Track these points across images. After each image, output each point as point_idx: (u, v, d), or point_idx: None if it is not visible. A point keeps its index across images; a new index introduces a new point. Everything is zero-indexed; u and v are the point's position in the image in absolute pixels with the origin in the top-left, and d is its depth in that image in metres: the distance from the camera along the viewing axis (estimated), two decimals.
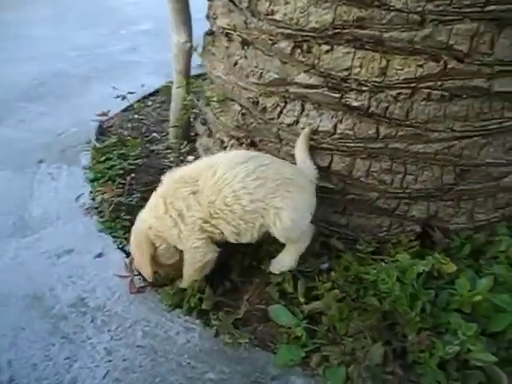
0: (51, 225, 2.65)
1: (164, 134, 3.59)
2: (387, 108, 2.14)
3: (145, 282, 2.22)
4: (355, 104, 2.16)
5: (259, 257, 2.30)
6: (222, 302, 2.15)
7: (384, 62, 2.07)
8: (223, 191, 2.01)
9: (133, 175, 3.00)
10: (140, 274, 2.20)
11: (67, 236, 2.55)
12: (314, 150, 2.34)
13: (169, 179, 2.14)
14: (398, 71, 2.07)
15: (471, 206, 2.36)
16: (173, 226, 2.05)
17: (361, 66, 2.11)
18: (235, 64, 2.53)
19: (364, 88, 2.13)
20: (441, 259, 2.13)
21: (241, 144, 2.65)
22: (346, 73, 2.14)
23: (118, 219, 2.60)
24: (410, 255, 2.23)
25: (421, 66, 2.04)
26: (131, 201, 2.71)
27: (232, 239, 2.11)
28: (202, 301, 2.10)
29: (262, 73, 2.36)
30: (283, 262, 2.18)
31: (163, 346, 1.95)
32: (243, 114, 2.55)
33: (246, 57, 2.45)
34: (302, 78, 2.24)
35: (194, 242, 2.05)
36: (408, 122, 2.15)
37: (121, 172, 2.99)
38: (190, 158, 3.23)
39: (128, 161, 3.09)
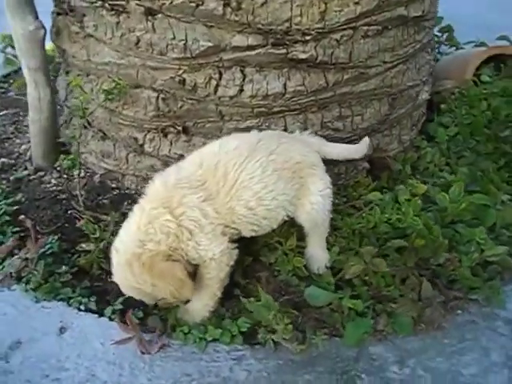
0: None
1: (16, 154, 2.78)
2: (332, 53, 2.07)
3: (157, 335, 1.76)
4: (303, 56, 2.02)
5: (256, 250, 2.05)
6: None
7: (323, 6, 1.97)
8: (244, 196, 1.73)
9: (23, 217, 2.26)
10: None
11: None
12: (265, 116, 2.14)
13: (162, 186, 1.70)
14: (338, 13, 2.00)
15: (398, 131, 2.54)
16: (188, 239, 1.65)
17: (301, 15, 1.96)
18: (137, 42, 2.06)
19: (308, 37, 2.00)
20: (415, 184, 2.25)
21: (165, 135, 2.25)
22: (287, 24, 1.97)
23: (52, 277, 1.96)
24: (377, 192, 2.30)
25: (357, 3, 2.00)
26: (51, 247, 2.06)
27: (249, 235, 1.85)
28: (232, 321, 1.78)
29: (185, 44, 1.99)
30: (319, 257, 2.00)
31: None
32: (164, 100, 2.14)
33: (154, 30, 2.02)
34: (239, 40, 1.98)
35: (217, 247, 1.72)
36: (351, 64, 2.13)
37: (6, 219, 2.22)
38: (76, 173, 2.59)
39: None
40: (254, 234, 1.86)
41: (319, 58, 2.04)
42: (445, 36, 3.47)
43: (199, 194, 1.68)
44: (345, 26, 2.03)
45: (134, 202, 2.38)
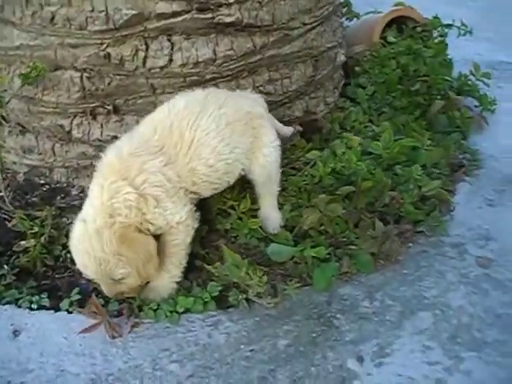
0: None
1: None
2: (257, 16, 2.10)
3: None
4: (229, 20, 2.03)
5: (210, 219, 2.01)
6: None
7: None
8: (203, 153, 1.69)
9: None
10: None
11: None
12: (198, 85, 2.10)
13: (116, 158, 1.60)
14: None
15: (323, 93, 2.64)
16: (154, 206, 1.58)
17: None
18: (52, 18, 1.93)
19: (231, 0, 2.01)
20: (349, 137, 2.35)
21: (95, 117, 2.13)
22: None
23: None
24: (315, 150, 2.37)
25: None
26: None
27: (208, 195, 1.83)
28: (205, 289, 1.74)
29: (107, 16, 1.90)
30: (272, 217, 2.00)
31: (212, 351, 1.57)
32: (89, 78, 2.03)
33: (69, 3, 1.90)
34: (163, 6, 1.93)
35: (182, 209, 1.67)
36: (275, 26, 2.17)
37: None
38: None
39: None
40: (214, 192, 1.83)
41: (245, 20, 2.06)
42: (344, 10, 3.67)
43: (160, 159, 1.62)
44: None
45: (68, 195, 2.27)
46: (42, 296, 1.75)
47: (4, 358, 1.55)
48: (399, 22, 3.16)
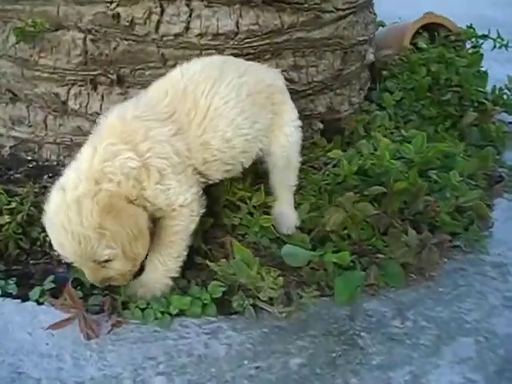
0: None
1: None
2: None
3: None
4: None
5: (216, 212, 1.74)
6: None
7: None
8: (220, 125, 1.45)
9: None
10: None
11: None
12: None
13: (119, 120, 1.34)
14: None
15: (349, 92, 2.40)
16: (157, 182, 1.30)
17: None
18: None
19: None
20: (378, 137, 2.10)
21: (95, 87, 1.88)
22: None
23: None
24: (337, 150, 2.12)
25: None
26: None
27: (217, 180, 1.56)
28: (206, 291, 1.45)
29: None
30: (288, 215, 1.75)
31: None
32: (93, 41, 1.79)
33: None
34: None
35: (188, 191, 1.41)
36: (307, 5, 1.95)
37: None
38: None
39: None
40: (224, 176, 1.57)
41: None
42: None
43: (169, 127, 1.38)
44: None
45: (57, 174, 1.96)
46: (9, 282, 1.46)
47: None
48: (430, 30, 2.96)
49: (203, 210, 1.48)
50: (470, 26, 2.96)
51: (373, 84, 2.72)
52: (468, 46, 2.96)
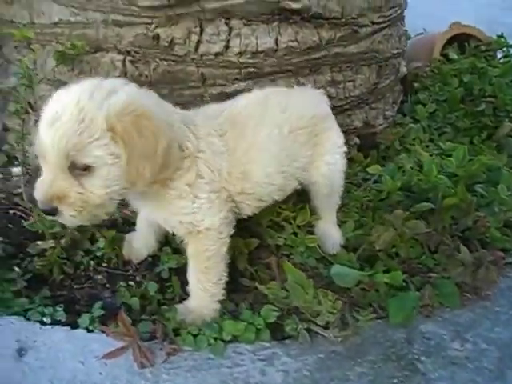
0: None
1: None
2: (326, 6, 1.85)
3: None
4: (296, 6, 1.78)
5: (259, 232, 1.70)
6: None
7: None
8: (263, 158, 1.44)
9: None
10: None
11: None
12: (254, 79, 1.84)
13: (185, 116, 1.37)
14: None
15: (383, 105, 2.37)
16: (189, 183, 1.32)
17: None
18: None
19: None
20: (419, 150, 2.06)
21: None
22: None
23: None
24: (376, 165, 2.08)
25: None
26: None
27: (244, 216, 1.54)
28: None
29: None
30: (332, 234, 1.72)
31: None
32: (132, 62, 1.77)
33: None
34: None
35: (216, 215, 1.38)
36: (344, 20, 1.93)
37: None
38: (17, 169, 2.11)
39: None
40: (253, 211, 1.54)
41: (313, 9, 1.81)
42: None
43: (222, 144, 1.37)
44: None
45: None
46: (57, 308, 1.43)
47: (4, 382, 1.22)
48: (460, 40, 2.93)
49: (232, 231, 1.45)
50: (501, 36, 2.92)
51: (404, 96, 2.68)
52: (499, 55, 2.93)
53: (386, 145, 2.29)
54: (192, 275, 1.45)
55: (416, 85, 2.69)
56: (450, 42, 2.93)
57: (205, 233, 1.37)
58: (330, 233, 1.72)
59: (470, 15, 3.47)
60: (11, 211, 1.86)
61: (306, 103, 1.61)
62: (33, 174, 2.00)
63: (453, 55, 2.79)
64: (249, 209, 1.52)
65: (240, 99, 1.53)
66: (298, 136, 1.53)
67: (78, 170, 1.16)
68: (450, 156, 2.09)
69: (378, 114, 2.33)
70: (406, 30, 2.50)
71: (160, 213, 1.39)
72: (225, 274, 1.46)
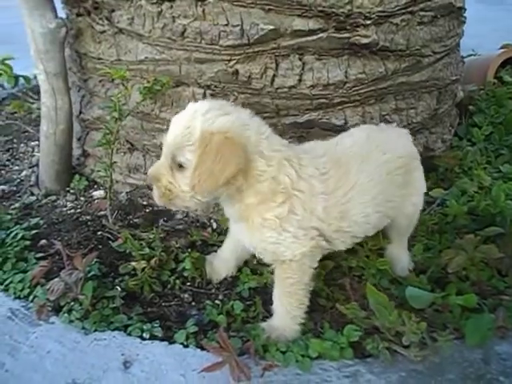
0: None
1: (17, 181, 2.42)
2: (392, 39, 1.96)
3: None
4: (365, 41, 1.89)
5: (334, 254, 1.79)
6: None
7: None
8: (364, 199, 1.50)
9: (44, 242, 1.91)
10: None
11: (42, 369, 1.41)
12: (324, 109, 1.95)
13: (290, 152, 1.45)
14: None
15: (441, 129, 2.44)
16: (279, 216, 1.40)
17: None
18: (183, 32, 1.86)
19: (369, 21, 1.88)
20: (481, 175, 2.12)
21: None
22: (348, 7, 1.83)
23: (99, 303, 1.61)
24: (439, 188, 2.15)
25: None
26: (91, 270, 1.71)
27: (339, 249, 1.61)
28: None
29: (242, 30, 1.80)
30: (402, 258, 1.80)
31: None
32: (213, 96, 1.92)
33: (204, 17, 1.82)
34: (300, 23, 1.82)
35: (298, 248, 1.45)
36: (408, 52, 2.03)
37: (26, 244, 1.86)
38: (97, 193, 2.28)
39: (12, 230, 1.93)
40: (346, 247, 1.60)
41: (380, 43, 1.92)
42: None
43: (321, 186, 1.44)
44: (403, 10, 1.93)
45: (170, 219, 2.13)
46: (154, 325, 1.56)
47: None
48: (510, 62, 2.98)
49: (316, 264, 1.52)
50: None
51: (459, 119, 2.74)
52: None
53: (445, 167, 2.35)
54: (276, 297, 1.56)
55: (471, 108, 2.75)
56: (501, 64, 2.98)
57: (288, 263, 1.46)
58: (400, 257, 1.80)
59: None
60: (99, 232, 2.01)
61: (400, 143, 1.65)
62: (116, 199, 2.17)
63: (507, 78, 2.85)
64: (343, 245, 1.58)
65: (345, 139, 1.59)
66: (395, 177, 1.58)
67: (175, 165, 1.38)
68: (510, 179, 2.15)
69: (437, 138, 2.40)
70: (462, 57, 2.57)
71: (249, 237, 1.50)
72: (306, 300, 1.54)
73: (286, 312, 1.53)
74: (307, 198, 1.42)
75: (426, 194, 2.15)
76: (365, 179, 1.50)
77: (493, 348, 1.52)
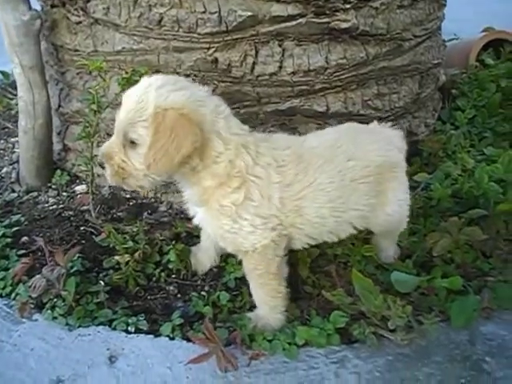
0: None
1: None
2: (372, 23, 1.94)
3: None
4: (345, 26, 1.87)
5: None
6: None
7: None
8: (320, 199, 1.46)
9: (26, 239, 1.88)
10: None
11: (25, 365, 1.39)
12: (306, 96, 1.94)
13: (249, 137, 1.42)
14: None
15: (424, 114, 2.44)
16: (236, 203, 1.38)
17: None
18: (160, 20, 1.82)
19: (348, 5, 1.86)
20: (464, 158, 2.12)
21: None
22: None
23: (83, 298, 1.59)
24: (423, 172, 2.15)
25: None
26: (74, 266, 1.69)
27: (298, 248, 1.58)
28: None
29: (219, 17, 1.77)
30: (388, 250, 1.78)
31: None
32: None
33: (180, 5, 1.79)
34: (279, 9, 1.79)
35: (258, 240, 1.42)
36: (389, 36, 2.01)
37: (7, 241, 1.82)
38: (80, 187, 2.24)
39: None
40: (305, 246, 1.58)
41: (360, 27, 1.90)
42: None
43: (279, 176, 1.41)
44: None
45: (155, 211, 2.11)
46: (140, 318, 1.54)
47: None
48: (494, 46, 2.97)
49: (283, 253, 1.48)
50: None
51: (442, 103, 2.74)
52: None
53: (429, 152, 2.35)
54: (252, 288, 1.55)
55: (454, 91, 2.75)
56: (483, 47, 2.98)
57: (250, 254, 1.44)
58: (387, 246, 1.78)
59: (498, 17, 3.53)
60: (82, 227, 1.98)
61: (375, 151, 1.54)
62: (98, 193, 2.14)
63: (489, 61, 2.85)
64: (298, 243, 1.55)
65: (313, 139, 1.54)
66: (361, 185, 1.51)
67: (128, 142, 1.34)
68: (493, 161, 2.16)
69: (420, 122, 2.40)
70: (444, 41, 2.57)
71: (208, 224, 1.48)
72: (282, 287, 1.51)
73: (265, 303, 1.52)
74: (264, 184, 1.38)
75: (410, 178, 2.18)
76: (324, 179, 1.45)
77: (478, 329, 1.53)
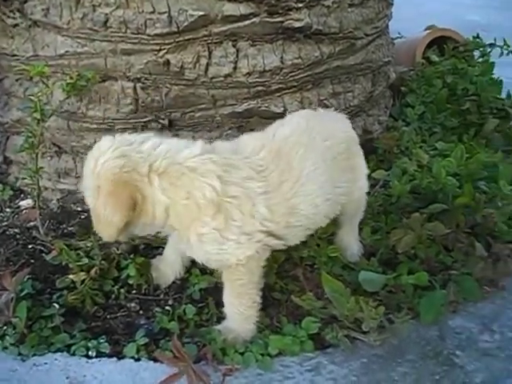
0: None
1: None
2: (325, 22, 1.93)
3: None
4: (298, 25, 1.85)
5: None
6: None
7: None
8: (310, 190, 1.43)
9: None
10: None
11: None
12: (262, 97, 1.90)
13: (207, 162, 1.31)
14: None
15: (377, 111, 2.46)
16: (218, 228, 1.33)
17: None
18: (106, 21, 1.72)
19: (300, 4, 1.84)
20: (419, 153, 2.15)
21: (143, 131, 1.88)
22: None
23: (36, 324, 1.46)
24: (381, 170, 2.17)
25: None
26: (23, 288, 1.55)
27: (292, 244, 1.54)
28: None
29: (169, 17, 1.69)
30: (351, 244, 1.78)
31: None
32: (143, 89, 1.80)
33: (126, 4, 1.69)
34: (231, 8, 1.74)
35: (243, 253, 1.37)
36: (341, 34, 2.01)
37: None
38: (25, 202, 2.09)
39: None
40: (301, 240, 1.54)
41: (314, 26, 1.88)
42: None
43: (261, 184, 1.35)
44: None
45: None
46: (100, 340, 1.44)
47: None
48: (438, 43, 3.07)
49: (264, 263, 1.45)
50: (477, 36, 3.07)
51: (392, 100, 2.79)
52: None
53: (384, 149, 2.37)
54: (227, 299, 1.48)
55: (403, 89, 2.80)
56: (428, 44, 3.06)
57: (235, 266, 1.39)
58: (350, 244, 1.78)
59: (439, 16, 3.65)
60: (29, 246, 1.84)
61: (340, 129, 1.61)
62: (46, 207, 2.00)
63: (434, 58, 2.93)
64: (295, 239, 1.52)
65: (282, 128, 1.49)
66: (339, 162, 1.53)
67: None
68: (445, 156, 2.20)
69: (374, 120, 2.42)
70: (392, 38, 2.61)
71: (193, 253, 1.43)
72: (258, 297, 1.47)
73: (239, 313, 1.46)
74: (243, 202, 1.33)
75: (369, 176, 2.19)
76: (310, 167, 1.43)
77: (446, 323, 1.54)
